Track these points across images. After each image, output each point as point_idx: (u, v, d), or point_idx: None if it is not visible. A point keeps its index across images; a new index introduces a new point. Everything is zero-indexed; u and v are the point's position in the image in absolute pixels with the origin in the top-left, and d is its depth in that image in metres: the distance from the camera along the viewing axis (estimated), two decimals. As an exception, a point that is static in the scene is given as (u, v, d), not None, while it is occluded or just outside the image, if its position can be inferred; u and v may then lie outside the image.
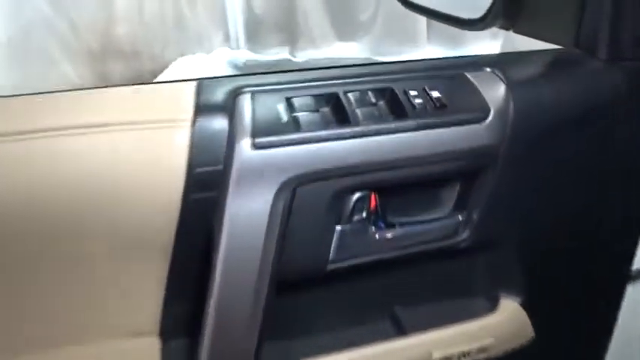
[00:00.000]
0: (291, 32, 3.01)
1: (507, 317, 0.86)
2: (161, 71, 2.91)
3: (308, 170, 0.65)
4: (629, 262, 0.89)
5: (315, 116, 0.67)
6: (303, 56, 3.02)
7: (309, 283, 0.78)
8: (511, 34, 0.84)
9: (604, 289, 0.90)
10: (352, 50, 3.06)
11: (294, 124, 0.66)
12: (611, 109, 0.79)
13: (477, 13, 0.89)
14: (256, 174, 0.64)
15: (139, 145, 0.65)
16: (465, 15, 0.93)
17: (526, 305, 0.87)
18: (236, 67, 3.01)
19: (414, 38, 2.95)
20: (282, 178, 0.64)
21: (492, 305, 0.86)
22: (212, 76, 0.71)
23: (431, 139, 0.68)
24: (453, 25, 0.96)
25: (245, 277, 0.68)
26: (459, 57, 0.81)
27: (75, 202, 0.65)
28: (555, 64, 0.80)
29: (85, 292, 0.71)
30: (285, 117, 0.66)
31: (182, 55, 2.95)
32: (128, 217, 0.67)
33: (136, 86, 0.71)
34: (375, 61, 0.83)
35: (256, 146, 0.63)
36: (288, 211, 0.67)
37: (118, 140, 0.65)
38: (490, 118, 0.70)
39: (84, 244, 0.68)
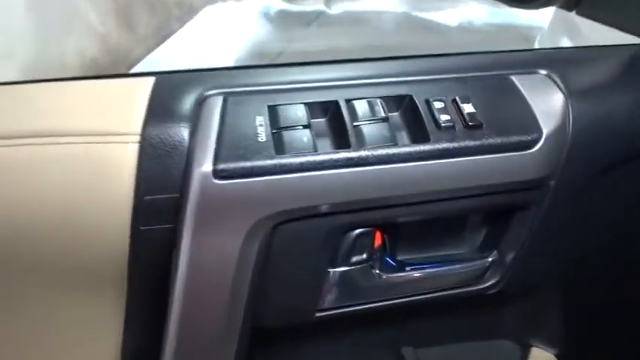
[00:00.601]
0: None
1: None
2: (189, 20, 2.76)
3: (291, 207, 0.50)
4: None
5: (305, 134, 0.51)
6: (338, 9, 2.84)
7: (302, 331, 0.64)
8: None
9: None
10: (390, 3, 2.84)
11: (276, 145, 0.50)
12: None
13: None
14: (220, 210, 0.49)
15: (78, 162, 0.50)
16: None
17: (563, 357, 0.72)
18: (267, 17, 2.84)
19: (457, -7, 2.72)
20: (255, 216, 0.49)
21: (522, 356, 0.71)
22: (175, 70, 0.55)
23: (458, 169, 0.52)
24: (502, 1, 0.78)
25: (208, 326, 0.55)
26: (504, 52, 0.62)
27: (7, 229, 0.52)
28: (633, 64, 0.61)
29: (36, 324, 0.60)
30: (264, 134, 0.50)
31: (211, 2, 2.80)
32: (72, 247, 0.54)
33: (78, 82, 0.55)
34: (392, 56, 0.64)
35: (219, 175, 0.48)
36: (266, 252, 0.53)
37: (52, 155, 0.50)
38: (541, 142, 0.53)
39: (25, 274, 0.56)
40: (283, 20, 2.79)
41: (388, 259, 0.60)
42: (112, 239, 0.53)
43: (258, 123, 0.51)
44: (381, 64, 0.59)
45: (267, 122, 0.51)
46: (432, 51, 0.61)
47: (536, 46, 2.00)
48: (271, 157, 0.48)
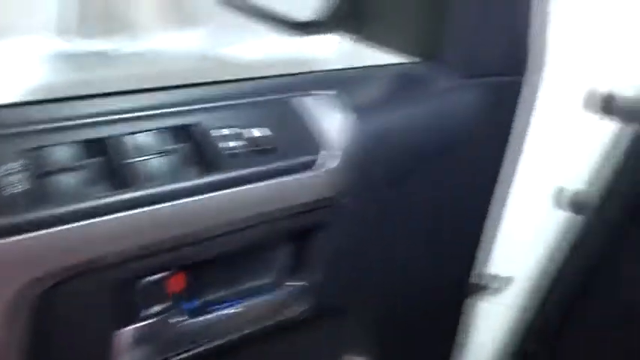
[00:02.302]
0: (117, 20, 2.67)
1: None
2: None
3: (57, 267, 0.42)
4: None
5: (70, 179, 0.43)
6: (129, 47, 2.69)
7: None
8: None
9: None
10: (190, 40, 2.79)
11: (31, 196, 0.41)
12: (469, 133, 0.66)
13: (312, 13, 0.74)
14: None
15: None
16: (298, 15, 0.77)
17: None
18: (48, 59, 2.60)
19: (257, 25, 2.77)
20: (11, 285, 0.41)
21: None
22: None
23: (251, 196, 0.49)
24: (281, 29, 0.79)
25: None
26: (293, 75, 0.62)
27: None
28: (411, 81, 0.65)
29: None
30: (15, 184, 0.42)
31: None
32: None
33: None
34: (172, 85, 0.61)
35: None
36: (38, 324, 0.44)
37: None
38: (326, 162, 0.53)
39: None
40: (67, 62, 2.58)
41: (189, 303, 0.55)
42: None
43: (6, 171, 0.42)
44: (163, 94, 0.54)
45: (22, 169, 0.43)
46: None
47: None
48: (22, 212, 0.40)
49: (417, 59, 0.65)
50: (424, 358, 0.80)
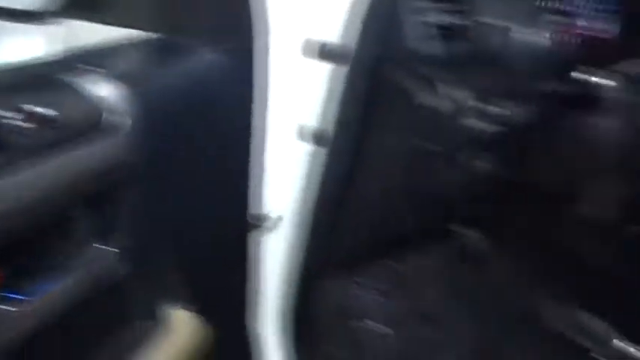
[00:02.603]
0: None
1: (178, 326, 0.78)
2: None
3: None
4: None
5: None
6: None
7: None
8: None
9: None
10: None
11: None
12: (222, 91, 0.76)
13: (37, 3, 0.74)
14: None
15: None
16: (24, 4, 0.75)
17: (192, 308, 0.81)
18: None
19: None
20: None
21: (161, 321, 0.77)
22: None
23: (50, 171, 0.51)
24: (10, 19, 0.77)
25: None
26: (45, 57, 0.63)
27: None
28: (164, 54, 0.71)
29: None
30: None
31: None
32: None
33: None
34: None
35: None
36: None
37: None
38: (116, 127, 0.57)
39: None
40: None
41: (14, 291, 0.55)
42: None
43: None
44: None
45: None
46: None
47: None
48: None
49: (161, 35, 0.71)
50: (226, 293, 0.89)
